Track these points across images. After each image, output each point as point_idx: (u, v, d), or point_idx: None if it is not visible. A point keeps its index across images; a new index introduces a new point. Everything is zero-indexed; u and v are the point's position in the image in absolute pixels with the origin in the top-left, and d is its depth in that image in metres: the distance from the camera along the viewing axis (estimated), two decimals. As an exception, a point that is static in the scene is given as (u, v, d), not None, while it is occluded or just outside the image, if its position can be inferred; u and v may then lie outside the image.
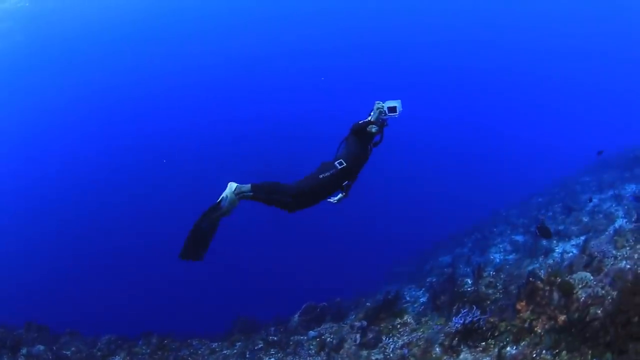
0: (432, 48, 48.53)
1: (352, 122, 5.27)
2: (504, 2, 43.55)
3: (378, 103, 5.17)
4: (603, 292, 5.14)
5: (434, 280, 14.73)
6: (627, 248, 7.48)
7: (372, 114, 5.27)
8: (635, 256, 6.87)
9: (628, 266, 6.31)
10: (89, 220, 31.11)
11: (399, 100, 5.15)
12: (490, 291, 8.48)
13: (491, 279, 8.58)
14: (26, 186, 37.05)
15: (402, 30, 47.26)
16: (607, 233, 11.64)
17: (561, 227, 13.37)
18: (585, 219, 13.36)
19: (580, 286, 5.47)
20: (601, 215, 13.03)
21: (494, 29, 46.72)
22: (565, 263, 7.85)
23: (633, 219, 8.85)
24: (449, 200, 30.19)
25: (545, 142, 32.13)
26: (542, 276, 5.57)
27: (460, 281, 11.67)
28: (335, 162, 4.81)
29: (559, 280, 5.24)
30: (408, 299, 13.60)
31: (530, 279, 5.51)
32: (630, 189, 15.19)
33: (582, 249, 7.89)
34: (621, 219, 12.31)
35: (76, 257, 26.93)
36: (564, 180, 20.04)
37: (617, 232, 8.36)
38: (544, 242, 13.10)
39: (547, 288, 5.16)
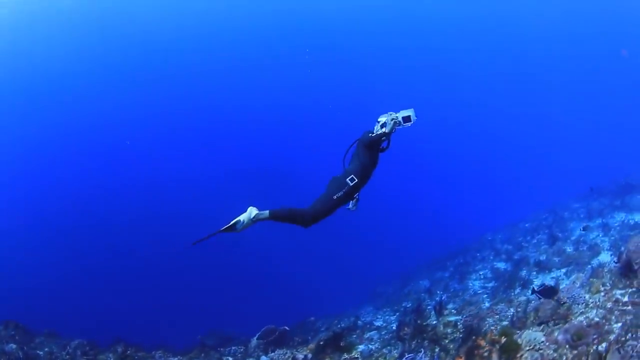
0: (426, 58, 47.90)
1: (362, 132, 5.17)
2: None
3: (391, 114, 5.03)
4: (555, 355, 4.12)
5: (409, 305, 13.89)
6: (602, 294, 6.42)
7: (379, 123, 5.13)
8: (608, 305, 5.81)
9: (596, 319, 5.26)
10: (83, 225, 30.36)
11: (412, 109, 5.02)
12: (449, 330, 7.49)
13: (451, 318, 7.54)
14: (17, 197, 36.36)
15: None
16: (588, 267, 10.62)
17: (542, 258, 12.28)
18: (569, 249, 12.29)
19: (527, 348, 4.46)
20: (586, 247, 11.96)
21: (481, 54, 46.38)
22: (531, 306, 6.80)
23: (614, 259, 7.78)
24: (440, 219, 29.17)
25: (538, 164, 31.03)
26: (487, 332, 4.53)
27: (427, 312, 10.77)
28: (347, 179, 4.79)
29: (505, 339, 4.23)
30: (380, 324, 12.83)
31: (473, 336, 4.49)
32: (620, 217, 14.12)
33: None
34: (606, 252, 11.27)
35: (70, 261, 26.21)
36: (553, 205, 18.93)
37: (595, 272, 7.29)
38: (524, 272, 12.09)
39: (489, 348, 4.16)
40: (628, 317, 5.04)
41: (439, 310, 7.95)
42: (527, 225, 17.68)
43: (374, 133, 5.09)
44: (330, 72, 45.43)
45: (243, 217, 4.34)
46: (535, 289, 7.80)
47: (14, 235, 29.31)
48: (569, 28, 43.16)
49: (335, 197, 4.68)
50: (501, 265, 14.35)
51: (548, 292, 8.28)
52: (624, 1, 38.38)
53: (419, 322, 8.30)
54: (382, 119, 5.15)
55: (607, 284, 6.65)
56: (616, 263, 7.38)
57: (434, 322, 8.43)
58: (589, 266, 10.73)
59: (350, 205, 5.26)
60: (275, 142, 41.68)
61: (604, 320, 5.05)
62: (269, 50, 46.82)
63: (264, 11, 45.92)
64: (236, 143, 42.14)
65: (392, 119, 5.00)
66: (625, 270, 6.58)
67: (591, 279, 7.00)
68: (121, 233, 27.53)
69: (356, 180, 4.80)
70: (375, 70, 46.51)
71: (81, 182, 34.80)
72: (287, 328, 11.86)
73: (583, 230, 13.22)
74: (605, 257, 10.91)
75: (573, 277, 8.71)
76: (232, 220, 4.34)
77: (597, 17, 41.69)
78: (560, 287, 7.27)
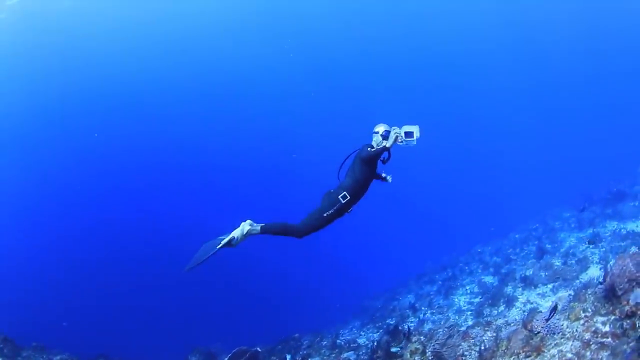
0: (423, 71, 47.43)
1: (361, 145, 5.01)
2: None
3: (394, 129, 4.85)
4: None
5: (392, 322, 13.12)
6: (582, 321, 5.63)
7: (378, 134, 5.04)
8: (586, 336, 5.03)
9: (569, 355, 4.48)
10: (71, 239, 29.77)
11: (417, 126, 4.78)
12: (416, 358, 6.72)
13: (418, 346, 6.76)
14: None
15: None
16: (576, 282, 9.81)
17: (529, 272, 11.46)
18: (557, 263, 11.45)
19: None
20: (574, 260, 11.13)
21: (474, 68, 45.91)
22: (504, 334, 6.01)
23: (600, 279, 7.01)
24: (433, 229, 28.41)
25: (530, 172, 30.19)
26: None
27: (402, 335, 10.03)
28: (339, 196, 4.70)
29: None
30: (362, 341, 12.32)
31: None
32: (612, 227, 13.32)
33: (524, 323, 6.02)
34: (595, 266, 10.46)
35: (59, 274, 25.65)
36: (544, 214, 18.13)
37: (577, 295, 6.50)
38: (509, 288, 11.27)
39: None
40: (604, 354, 4.26)
41: (407, 337, 7.17)
42: (517, 236, 16.88)
43: (373, 147, 4.90)
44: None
45: (236, 234, 4.34)
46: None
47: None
48: (560, 36, 42.61)
49: (325, 214, 4.64)
50: (489, 279, 13.54)
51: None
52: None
53: (389, 349, 7.52)
54: (379, 128, 5.03)
55: (589, 309, 5.86)
56: (601, 284, 6.59)
57: (400, 349, 7.65)
58: (578, 281, 9.98)
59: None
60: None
61: (576, 359, 4.28)
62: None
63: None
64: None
65: (395, 133, 4.80)
66: (609, 294, 5.79)
67: (572, 304, 6.21)
68: (107, 248, 26.98)
69: (348, 197, 4.70)
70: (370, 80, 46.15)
71: (68, 197, 34.30)
72: (259, 349, 11.16)
73: (588, 243, 12.28)
74: (594, 271, 10.11)
75: (555, 297, 7.92)
76: (226, 238, 4.32)
77: (588, 24, 41.19)
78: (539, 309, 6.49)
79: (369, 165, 4.89)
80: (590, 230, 13.46)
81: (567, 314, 6.05)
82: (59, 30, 33.12)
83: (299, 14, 42.53)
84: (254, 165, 39.04)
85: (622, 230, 12.52)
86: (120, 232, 29.06)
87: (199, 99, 44.57)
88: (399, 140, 4.82)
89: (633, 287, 5.32)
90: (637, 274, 5.31)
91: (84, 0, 31.37)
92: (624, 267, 5.49)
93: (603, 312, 5.69)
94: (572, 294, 6.90)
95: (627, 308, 5.09)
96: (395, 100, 42.88)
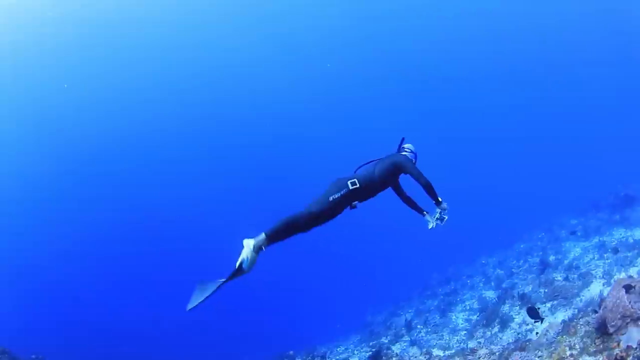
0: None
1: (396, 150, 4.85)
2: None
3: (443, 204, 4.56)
4: None
5: (386, 341, 12.43)
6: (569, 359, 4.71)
7: (410, 151, 4.85)
8: (569, 386, 4.10)
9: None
10: (71, 252, 29.78)
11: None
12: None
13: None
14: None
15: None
16: (576, 301, 8.78)
17: (528, 289, 10.45)
18: (558, 278, 10.42)
19: None
20: (576, 275, 10.08)
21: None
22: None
23: (595, 308, 6.08)
24: (443, 238, 27.17)
25: (536, 177, 28.80)
26: None
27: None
28: (349, 182, 4.25)
29: None
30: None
31: None
32: (618, 234, 12.21)
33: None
34: (598, 281, 9.41)
35: (60, 288, 25.50)
36: (550, 222, 16.98)
37: (568, 326, 5.57)
38: (506, 306, 10.26)
39: None
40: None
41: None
42: (522, 246, 15.79)
43: (414, 161, 4.69)
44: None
45: (245, 255, 3.73)
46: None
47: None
48: (566, 33, 41.27)
49: (331, 198, 4.15)
50: (489, 294, 12.54)
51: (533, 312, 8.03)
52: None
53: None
54: (411, 147, 4.86)
55: (577, 347, 4.94)
56: (596, 312, 5.67)
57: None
58: (579, 298, 8.97)
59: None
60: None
61: None
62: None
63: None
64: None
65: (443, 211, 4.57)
66: (601, 329, 4.86)
67: (559, 337, 5.28)
68: (104, 262, 26.84)
69: (357, 186, 4.23)
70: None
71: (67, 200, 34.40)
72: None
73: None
74: (596, 287, 9.08)
75: (545, 326, 6.96)
76: (235, 264, 3.75)
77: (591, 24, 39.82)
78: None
79: (397, 170, 4.52)
80: (597, 240, 12.38)
81: (551, 350, 5.13)
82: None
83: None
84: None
85: (630, 238, 11.45)
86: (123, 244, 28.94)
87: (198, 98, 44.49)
88: (439, 218, 4.58)
89: (627, 324, 4.38)
90: (633, 309, 4.37)
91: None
92: (618, 300, 4.56)
93: (592, 349, 4.77)
94: (561, 326, 5.93)
95: (616, 352, 4.17)
96: (396, 106, 42.15)
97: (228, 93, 46.08)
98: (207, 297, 3.70)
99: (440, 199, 4.46)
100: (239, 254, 3.76)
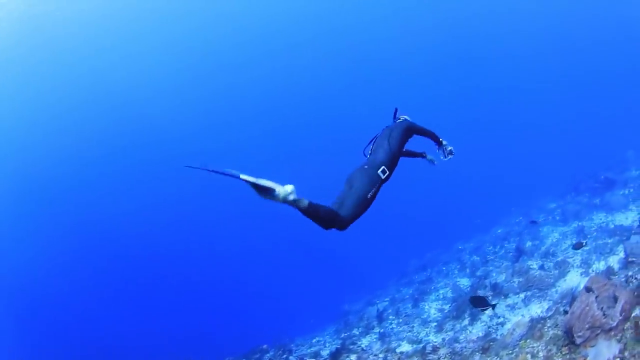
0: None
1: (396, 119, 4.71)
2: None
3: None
4: None
5: (358, 332, 11.84)
6: (530, 372, 3.94)
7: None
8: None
9: None
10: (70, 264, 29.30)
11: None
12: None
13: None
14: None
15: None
16: (551, 292, 8.09)
17: (502, 279, 9.74)
18: (534, 266, 9.71)
19: None
20: (553, 263, 9.39)
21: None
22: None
23: (566, 307, 5.33)
24: (421, 223, 26.63)
25: (516, 160, 28.23)
26: None
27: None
28: (379, 171, 3.90)
29: None
30: (326, 355, 10.88)
31: None
32: (599, 219, 11.54)
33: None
34: (576, 270, 8.72)
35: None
36: (529, 205, 16.34)
37: (533, 329, 4.82)
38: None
39: None
40: None
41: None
42: (499, 231, 15.14)
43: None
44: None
45: (280, 190, 3.21)
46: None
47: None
48: (546, 25, 40.70)
49: (369, 195, 3.85)
50: (464, 282, 11.89)
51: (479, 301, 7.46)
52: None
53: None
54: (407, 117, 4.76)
55: (540, 354, 4.17)
56: (567, 312, 4.92)
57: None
58: (554, 289, 8.27)
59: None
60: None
61: None
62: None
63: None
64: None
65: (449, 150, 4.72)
66: (568, 336, 4.09)
67: (522, 341, 4.51)
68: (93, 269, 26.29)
69: (387, 172, 4.01)
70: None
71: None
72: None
73: (574, 248, 10.16)
74: (573, 277, 8.39)
75: (511, 325, 6.23)
76: (268, 182, 3.18)
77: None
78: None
79: (410, 135, 4.45)
80: (576, 224, 11.70)
81: (512, 356, 4.37)
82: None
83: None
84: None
85: (610, 223, 10.78)
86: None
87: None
88: (447, 153, 4.68)
89: (597, 335, 3.60)
90: (604, 319, 3.58)
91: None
92: (586, 308, 3.77)
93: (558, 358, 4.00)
94: (530, 325, 5.17)
95: (583, 370, 3.39)
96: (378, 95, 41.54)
97: (228, 93, 45.37)
98: (212, 170, 3.11)
99: (441, 140, 4.65)
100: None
